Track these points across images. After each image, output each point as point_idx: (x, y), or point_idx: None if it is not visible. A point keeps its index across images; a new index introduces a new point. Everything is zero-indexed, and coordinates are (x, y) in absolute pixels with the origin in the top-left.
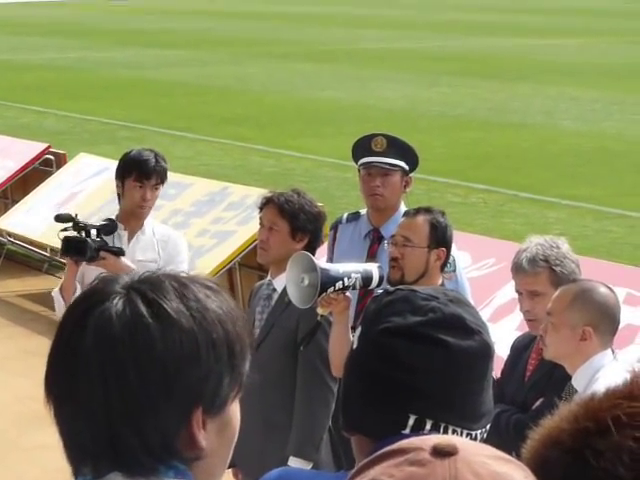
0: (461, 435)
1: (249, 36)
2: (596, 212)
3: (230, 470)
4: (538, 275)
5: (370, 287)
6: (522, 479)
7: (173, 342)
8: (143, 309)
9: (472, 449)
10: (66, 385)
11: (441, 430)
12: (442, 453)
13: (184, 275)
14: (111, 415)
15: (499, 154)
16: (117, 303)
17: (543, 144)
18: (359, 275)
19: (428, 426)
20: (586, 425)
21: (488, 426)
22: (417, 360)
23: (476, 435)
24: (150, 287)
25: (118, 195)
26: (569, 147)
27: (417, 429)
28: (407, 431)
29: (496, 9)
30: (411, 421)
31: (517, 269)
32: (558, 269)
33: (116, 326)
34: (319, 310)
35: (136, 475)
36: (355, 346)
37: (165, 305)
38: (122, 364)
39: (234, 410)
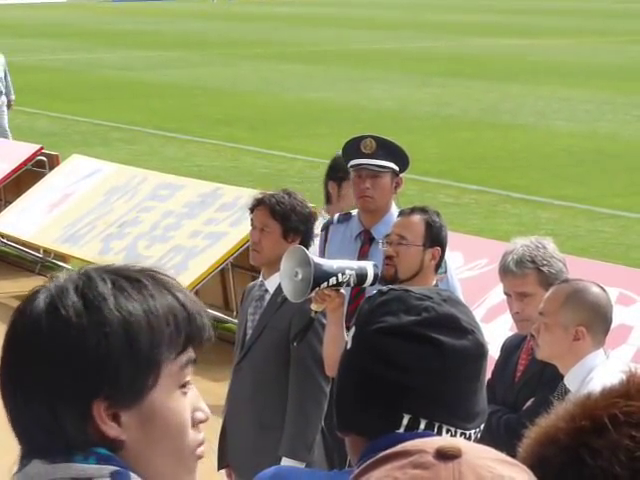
0: (455, 435)
1: (241, 37)
2: (588, 212)
3: (224, 470)
4: (526, 276)
5: (364, 285)
6: None
7: (62, 340)
8: (42, 304)
9: (476, 452)
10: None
11: (435, 429)
12: (446, 456)
13: (113, 268)
14: (23, 405)
15: (491, 154)
16: (38, 298)
17: (535, 144)
18: (353, 272)
19: (422, 425)
20: (583, 424)
21: (482, 426)
22: (411, 360)
23: (470, 435)
24: (55, 290)
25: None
26: (561, 147)
27: (411, 428)
28: (401, 430)
29: (488, 10)
30: (405, 420)
31: (505, 271)
32: (545, 269)
33: (19, 321)
34: (313, 306)
35: (56, 462)
36: (349, 346)
37: (59, 305)
38: (22, 359)
39: (161, 401)
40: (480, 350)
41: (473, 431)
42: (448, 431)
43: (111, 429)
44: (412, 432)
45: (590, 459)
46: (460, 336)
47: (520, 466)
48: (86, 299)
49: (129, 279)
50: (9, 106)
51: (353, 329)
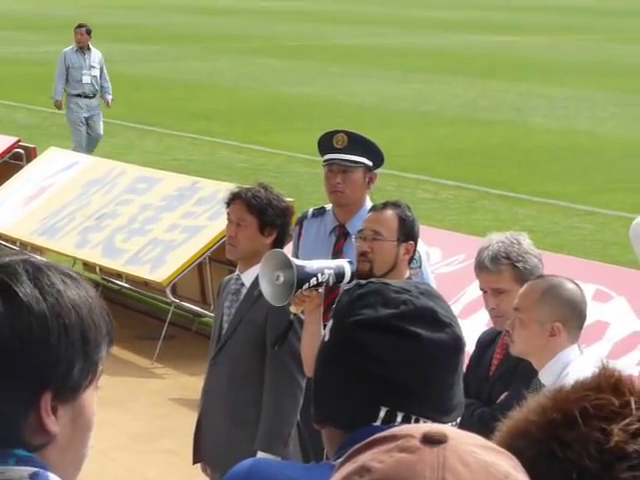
0: None
1: (219, 31)
2: (566, 209)
3: (199, 464)
4: (501, 273)
5: (342, 283)
6: (510, 469)
7: (22, 326)
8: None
9: (462, 438)
10: None
11: (412, 422)
12: (432, 441)
13: (42, 260)
14: None
15: (470, 150)
16: None
17: (514, 141)
18: (332, 271)
19: (399, 418)
20: (553, 417)
21: (459, 419)
22: (389, 352)
23: None
24: (2, 270)
25: None
26: (540, 144)
27: (388, 421)
28: (378, 423)
29: (467, 6)
30: (382, 413)
31: (480, 268)
32: (520, 265)
33: None
34: (292, 309)
35: None
36: (327, 338)
37: (16, 288)
38: None
39: (89, 399)
40: (458, 343)
41: (450, 424)
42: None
43: (51, 422)
44: (389, 425)
45: (561, 452)
46: (438, 329)
47: (505, 453)
48: (41, 287)
49: (61, 271)
50: None
51: (331, 321)
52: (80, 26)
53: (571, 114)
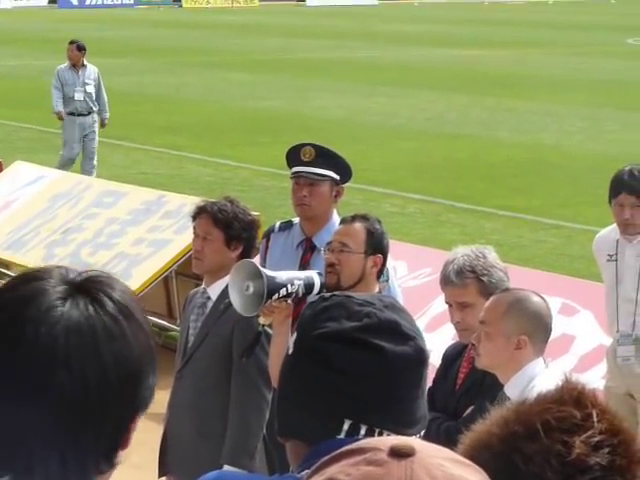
0: None
1: (186, 45)
2: (532, 223)
3: (164, 478)
4: (466, 287)
5: (312, 294)
6: None
7: (140, 344)
8: (112, 308)
9: (429, 451)
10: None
11: (375, 435)
12: (399, 454)
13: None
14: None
15: (436, 164)
16: (80, 302)
17: (480, 155)
18: (302, 282)
19: (363, 431)
20: (516, 429)
21: (423, 432)
22: (352, 365)
23: None
24: (106, 287)
25: None
26: (506, 158)
27: (352, 434)
28: (342, 436)
29: (432, 20)
30: (346, 426)
31: (445, 282)
32: (486, 279)
33: (89, 326)
34: (261, 320)
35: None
36: (291, 351)
37: (130, 308)
38: (103, 364)
39: None
40: (421, 356)
41: (414, 437)
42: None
43: (130, 440)
44: (352, 438)
45: (523, 464)
46: (401, 342)
47: (473, 466)
48: (122, 310)
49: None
50: None
51: (295, 334)
52: (72, 42)
53: (537, 128)
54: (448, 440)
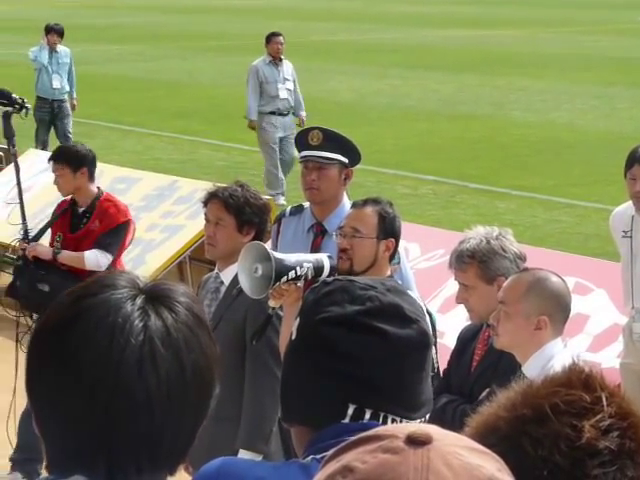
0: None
1: (197, 30)
2: (546, 202)
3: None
4: (465, 271)
5: (322, 277)
6: (495, 471)
7: (213, 354)
8: (187, 318)
9: (447, 439)
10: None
11: (380, 419)
12: (416, 442)
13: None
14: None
15: (448, 145)
16: (160, 312)
17: (492, 135)
18: (311, 265)
19: (367, 415)
20: (523, 412)
21: (428, 415)
22: (356, 349)
23: None
24: (176, 295)
25: None
26: (518, 138)
27: (356, 418)
28: (347, 420)
29: (445, 1)
30: (350, 410)
31: (449, 263)
32: (484, 265)
33: (171, 336)
34: (271, 303)
35: None
36: (294, 336)
37: (201, 317)
38: (184, 375)
39: None
40: (424, 339)
41: (418, 421)
42: (393, 421)
43: None
44: (357, 422)
45: (531, 448)
46: (404, 325)
47: (491, 454)
48: (196, 320)
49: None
50: None
51: (298, 319)
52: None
53: (550, 107)
54: (464, 423)
